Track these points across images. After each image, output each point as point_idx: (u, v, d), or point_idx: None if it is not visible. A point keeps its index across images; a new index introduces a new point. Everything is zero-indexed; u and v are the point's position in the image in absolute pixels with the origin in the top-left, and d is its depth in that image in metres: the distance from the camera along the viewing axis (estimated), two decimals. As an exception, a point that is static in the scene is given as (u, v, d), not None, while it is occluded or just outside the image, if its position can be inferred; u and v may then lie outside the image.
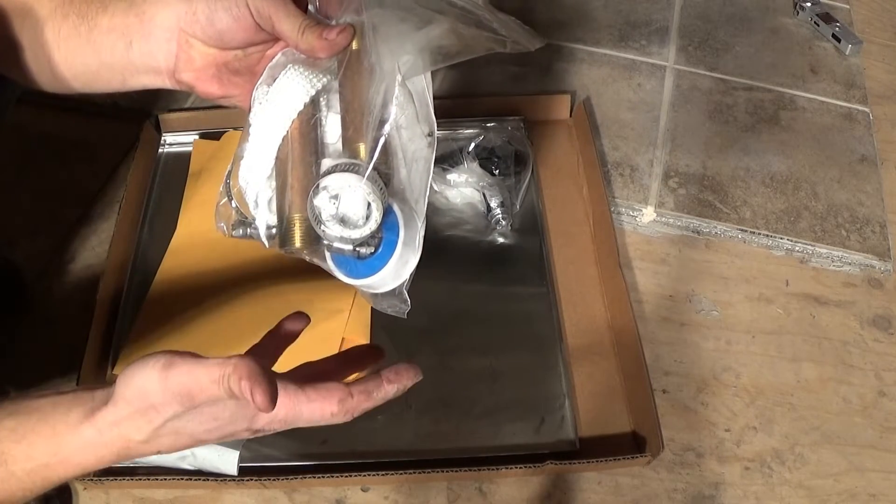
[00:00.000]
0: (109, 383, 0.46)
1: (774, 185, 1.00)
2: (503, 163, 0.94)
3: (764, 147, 1.04)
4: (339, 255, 0.47)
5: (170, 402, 0.43)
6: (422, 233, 0.47)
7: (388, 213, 0.45)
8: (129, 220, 0.91)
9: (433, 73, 0.47)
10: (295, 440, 0.76)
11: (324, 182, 0.44)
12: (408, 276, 0.47)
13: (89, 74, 0.52)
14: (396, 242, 0.45)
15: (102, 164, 0.98)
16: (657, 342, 0.86)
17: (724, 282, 0.92)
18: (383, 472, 0.72)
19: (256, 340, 0.53)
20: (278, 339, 0.53)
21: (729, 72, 1.13)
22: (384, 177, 0.46)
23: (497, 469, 0.74)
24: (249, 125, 0.48)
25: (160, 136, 1.00)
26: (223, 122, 0.98)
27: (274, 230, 0.49)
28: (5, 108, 0.65)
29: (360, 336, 0.80)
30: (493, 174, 0.93)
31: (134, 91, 0.53)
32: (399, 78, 0.45)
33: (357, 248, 0.45)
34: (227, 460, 0.72)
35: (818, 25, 1.18)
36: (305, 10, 0.48)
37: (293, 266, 0.71)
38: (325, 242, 0.46)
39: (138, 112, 0.99)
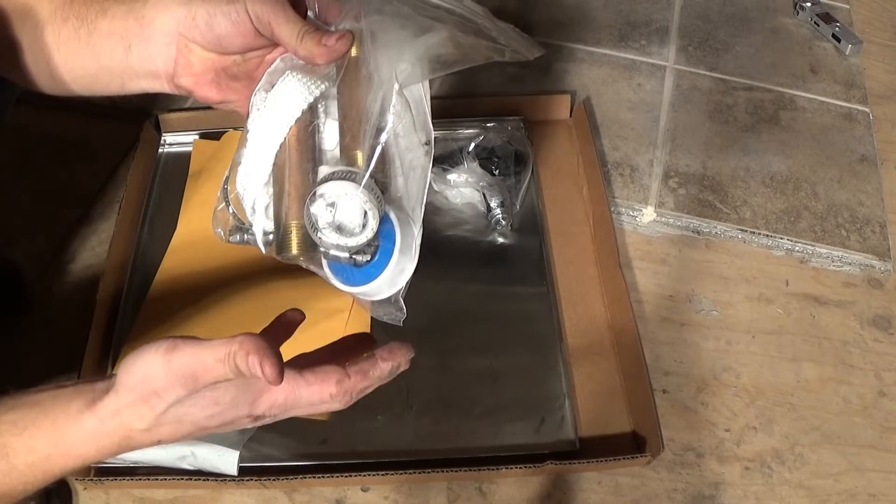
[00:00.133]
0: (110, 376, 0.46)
1: (774, 185, 1.00)
2: (503, 163, 0.94)
3: (764, 147, 1.04)
4: (335, 263, 0.47)
5: (173, 386, 0.43)
6: (418, 241, 0.47)
7: (384, 221, 0.45)
8: (129, 220, 0.91)
9: (432, 78, 0.47)
10: (295, 440, 0.76)
11: (320, 190, 0.44)
12: (404, 284, 0.47)
13: (88, 78, 0.52)
14: (393, 250, 0.46)
15: (102, 164, 0.98)
16: (657, 342, 0.86)
17: (724, 282, 0.92)
18: (383, 472, 0.72)
19: None
20: (276, 333, 0.54)
21: (729, 72, 1.13)
22: (381, 185, 0.46)
23: (497, 469, 0.74)
24: (247, 131, 0.48)
25: (160, 136, 1.00)
26: (223, 123, 0.98)
27: (271, 236, 0.49)
28: (5, 109, 0.65)
29: (360, 336, 0.80)
30: (493, 174, 0.93)
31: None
32: (397, 87, 0.45)
33: (353, 256, 0.46)
34: (227, 460, 0.72)
35: (818, 25, 1.18)
36: (304, 16, 0.48)
37: (293, 266, 0.71)
38: (322, 250, 0.46)
39: (138, 112, 0.99)
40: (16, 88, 0.62)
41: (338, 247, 0.45)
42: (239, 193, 0.49)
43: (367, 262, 0.46)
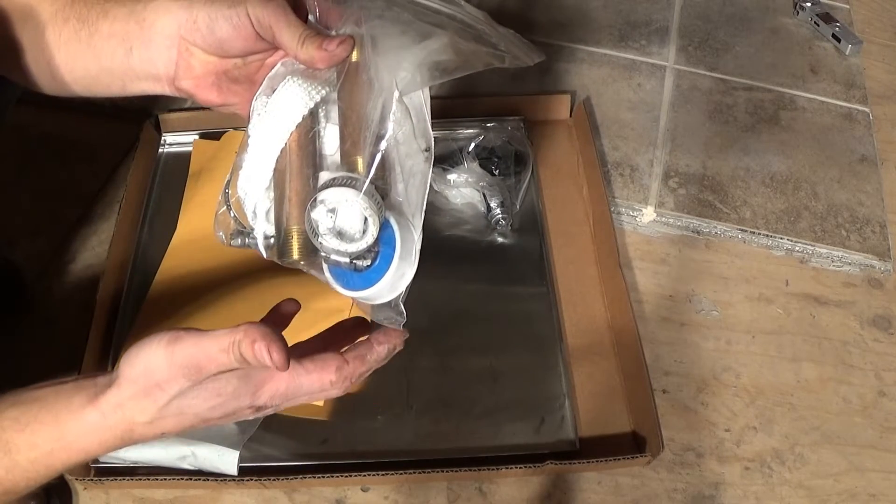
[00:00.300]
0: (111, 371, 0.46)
1: (774, 185, 1.00)
2: (503, 163, 0.94)
3: (764, 147, 1.04)
4: (336, 267, 0.47)
5: (176, 377, 0.44)
6: (418, 246, 0.47)
7: (384, 226, 0.46)
8: (129, 220, 0.91)
9: (431, 85, 0.47)
10: (295, 440, 0.76)
11: (321, 196, 0.44)
12: (404, 289, 0.47)
13: (89, 79, 0.52)
14: (393, 256, 0.46)
15: (102, 164, 0.98)
16: (657, 342, 0.86)
17: (724, 282, 0.92)
18: (383, 472, 0.72)
19: None
20: (273, 324, 0.54)
21: (729, 72, 1.13)
22: (381, 191, 0.46)
23: (497, 469, 0.74)
24: (248, 136, 0.48)
25: (160, 136, 1.00)
26: (223, 123, 0.98)
27: (272, 240, 0.49)
28: (5, 109, 0.65)
29: (360, 336, 0.80)
30: (493, 174, 0.93)
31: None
32: (397, 94, 0.45)
33: (354, 261, 0.46)
34: (227, 460, 0.72)
35: (818, 25, 1.18)
36: (306, 21, 0.48)
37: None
38: (323, 255, 0.46)
39: (138, 112, 0.99)
40: (16, 88, 0.62)
41: (338, 252, 0.45)
42: (240, 198, 0.49)
43: (368, 267, 0.46)
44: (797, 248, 0.95)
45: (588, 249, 0.92)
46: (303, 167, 0.48)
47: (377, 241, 0.45)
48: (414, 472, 0.73)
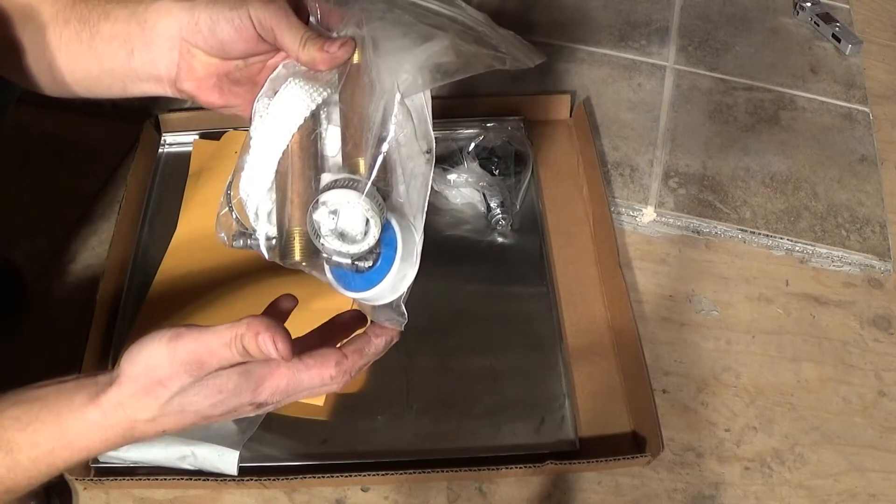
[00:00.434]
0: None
1: (774, 185, 1.00)
2: (503, 163, 0.94)
3: (764, 147, 1.04)
4: (337, 269, 0.48)
5: (178, 374, 0.44)
6: (419, 247, 0.47)
7: (386, 228, 0.46)
8: (129, 220, 0.91)
9: (433, 87, 0.48)
10: (295, 440, 0.76)
11: (323, 197, 0.45)
12: (405, 290, 0.48)
13: (90, 80, 0.52)
14: (394, 257, 0.46)
15: (102, 164, 0.98)
16: (657, 342, 0.86)
17: (724, 282, 0.92)
18: (383, 472, 0.72)
19: None
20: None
21: (729, 72, 1.13)
22: (382, 192, 0.46)
23: (497, 469, 0.74)
24: (250, 138, 0.49)
25: (160, 136, 1.00)
26: (223, 123, 0.98)
27: (274, 242, 0.50)
28: (5, 109, 0.65)
29: (360, 335, 0.80)
30: (493, 174, 0.93)
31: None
32: (398, 97, 0.45)
33: (355, 263, 0.46)
34: (227, 460, 0.72)
35: (818, 25, 1.18)
36: (307, 23, 0.48)
37: (293, 266, 0.72)
38: (325, 256, 0.46)
39: (138, 112, 0.99)
40: (16, 89, 0.62)
41: (340, 253, 0.46)
42: (242, 199, 0.49)
43: (370, 268, 0.47)
44: (797, 248, 0.95)
45: (588, 249, 0.92)
46: (305, 169, 0.48)
47: (379, 242, 0.46)
48: (414, 472, 0.73)
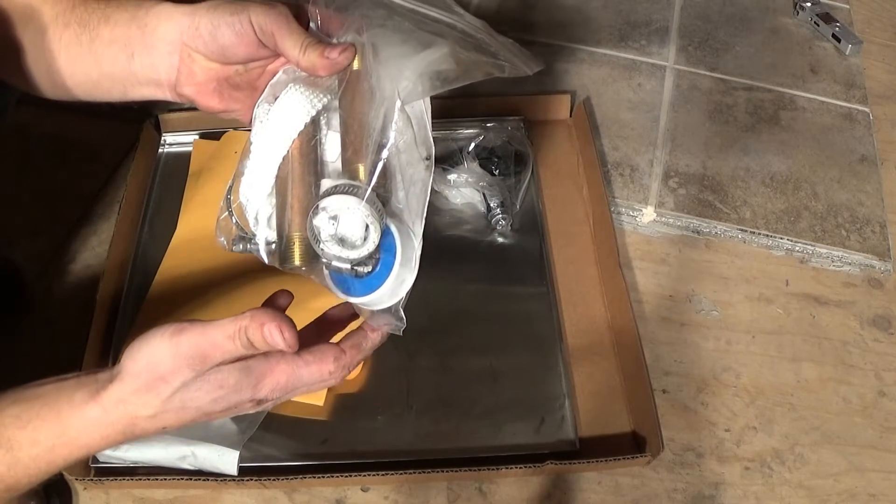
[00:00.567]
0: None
1: (774, 185, 1.00)
2: (503, 163, 0.94)
3: (764, 147, 1.04)
4: (337, 274, 0.48)
5: (181, 368, 0.44)
6: (418, 253, 0.48)
7: (385, 233, 0.46)
8: (129, 220, 0.91)
9: (432, 94, 0.48)
10: (295, 440, 0.76)
11: (323, 203, 0.45)
12: (404, 295, 0.48)
13: (90, 84, 0.52)
14: (393, 263, 0.46)
15: (102, 164, 0.98)
16: (657, 342, 0.86)
17: (724, 282, 0.92)
18: (383, 472, 0.72)
19: None
20: None
21: (729, 72, 1.13)
22: (382, 198, 0.46)
23: (497, 469, 0.74)
24: (250, 143, 0.49)
25: (160, 136, 1.00)
26: (223, 123, 0.97)
27: (274, 246, 0.50)
28: (6, 110, 0.65)
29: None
30: (493, 174, 0.93)
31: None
32: (399, 104, 0.45)
33: (355, 268, 0.47)
34: (227, 460, 0.72)
35: (818, 25, 1.18)
36: (307, 28, 0.48)
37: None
38: (324, 261, 0.46)
39: (138, 112, 0.99)
40: (16, 90, 0.62)
41: (340, 258, 0.46)
42: (242, 203, 0.50)
43: (369, 273, 0.47)
44: (797, 248, 0.95)
45: (588, 249, 0.92)
46: (305, 174, 0.48)
47: (378, 247, 0.46)
48: (414, 472, 0.73)
